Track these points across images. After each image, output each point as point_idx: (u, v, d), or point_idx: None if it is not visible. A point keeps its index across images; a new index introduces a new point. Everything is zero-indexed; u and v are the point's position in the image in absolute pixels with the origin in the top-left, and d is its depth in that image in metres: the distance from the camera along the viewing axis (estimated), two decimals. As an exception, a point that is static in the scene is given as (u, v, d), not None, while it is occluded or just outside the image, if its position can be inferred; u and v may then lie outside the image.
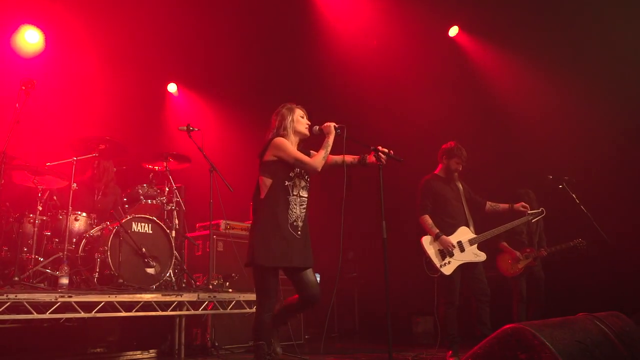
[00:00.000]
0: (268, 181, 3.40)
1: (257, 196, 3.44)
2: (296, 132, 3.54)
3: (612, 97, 6.62)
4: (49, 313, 3.97)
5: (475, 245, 4.68)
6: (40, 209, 4.79)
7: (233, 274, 5.47)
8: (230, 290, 5.31)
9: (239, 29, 7.69)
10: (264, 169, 3.45)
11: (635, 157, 6.41)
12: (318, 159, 3.42)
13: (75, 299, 4.05)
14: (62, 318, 4.31)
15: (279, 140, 3.42)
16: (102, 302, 4.21)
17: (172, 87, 8.42)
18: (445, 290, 4.58)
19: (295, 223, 3.39)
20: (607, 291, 6.12)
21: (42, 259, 4.70)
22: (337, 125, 3.52)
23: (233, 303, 5.05)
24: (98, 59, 6.95)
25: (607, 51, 6.64)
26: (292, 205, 3.39)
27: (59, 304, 3.98)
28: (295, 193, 3.42)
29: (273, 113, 3.60)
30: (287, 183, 3.40)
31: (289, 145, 3.43)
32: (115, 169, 5.73)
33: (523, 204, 4.89)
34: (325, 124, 3.53)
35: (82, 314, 4.12)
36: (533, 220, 5.06)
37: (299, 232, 3.40)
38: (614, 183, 6.55)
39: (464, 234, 4.69)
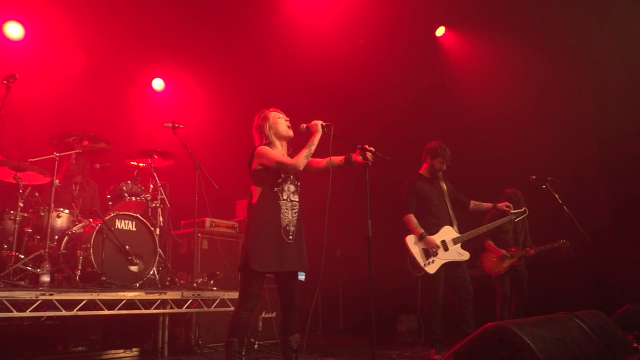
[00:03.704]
0: (258, 189, 3.45)
1: (250, 203, 3.49)
2: (278, 136, 3.53)
3: (594, 96, 6.73)
4: (30, 311, 3.92)
5: (459, 244, 4.71)
6: (22, 205, 4.71)
7: (217, 272, 5.45)
8: (214, 288, 5.28)
9: (226, 25, 7.65)
10: (253, 177, 3.50)
11: (618, 156, 6.51)
12: (299, 158, 3.42)
13: (56, 296, 4.00)
14: (43, 316, 4.26)
15: (261, 148, 3.46)
16: (84, 300, 4.16)
17: (157, 83, 8.34)
18: (429, 288, 4.61)
19: (287, 227, 3.41)
20: (588, 290, 6.22)
21: (22, 256, 4.62)
22: (324, 124, 3.52)
23: (217, 301, 5.03)
24: (81, 54, 6.86)
25: (590, 51, 6.75)
26: (283, 209, 3.41)
27: (39, 301, 3.93)
28: (285, 197, 3.44)
29: (252, 126, 3.59)
30: (275, 189, 3.43)
31: (270, 151, 3.45)
32: (88, 163, 5.67)
33: (507, 203, 4.93)
34: (313, 122, 3.53)
35: (64, 312, 4.07)
36: (516, 220, 5.10)
37: (291, 237, 3.42)
38: (597, 182, 6.65)
39: (448, 233, 4.72)
